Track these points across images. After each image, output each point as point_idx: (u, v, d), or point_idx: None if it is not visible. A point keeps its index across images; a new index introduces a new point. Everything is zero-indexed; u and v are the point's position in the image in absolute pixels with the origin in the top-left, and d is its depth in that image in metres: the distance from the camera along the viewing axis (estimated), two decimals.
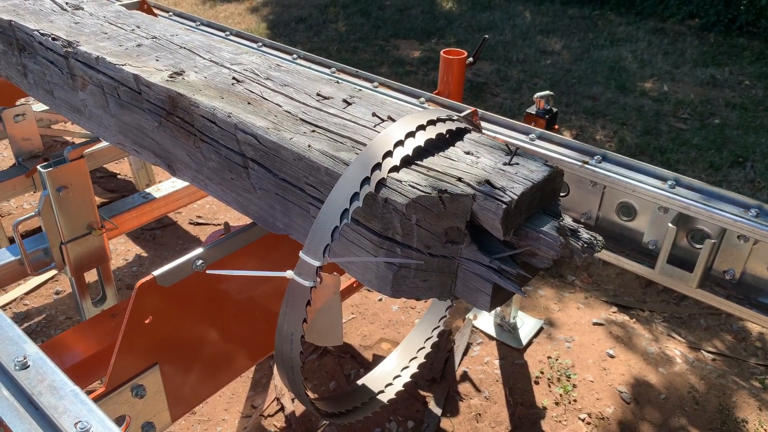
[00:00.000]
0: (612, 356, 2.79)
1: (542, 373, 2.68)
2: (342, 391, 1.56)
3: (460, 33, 6.68)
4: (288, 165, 1.15)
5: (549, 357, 2.76)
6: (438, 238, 1.04)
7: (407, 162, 1.06)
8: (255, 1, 7.71)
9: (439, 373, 2.63)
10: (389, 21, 6.96)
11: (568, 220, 1.06)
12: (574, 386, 2.63)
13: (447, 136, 1.14)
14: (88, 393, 1.10)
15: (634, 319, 3.02)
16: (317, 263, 1.01)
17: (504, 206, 0.96)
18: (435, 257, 1.05)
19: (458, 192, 0.99)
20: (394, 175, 1.03)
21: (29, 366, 1.10)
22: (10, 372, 1.09)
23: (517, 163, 1.08)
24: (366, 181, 1.01)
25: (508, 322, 2.87)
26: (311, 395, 2.49)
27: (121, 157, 2.20)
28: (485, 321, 2.92)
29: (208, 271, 1.09)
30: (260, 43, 2.58)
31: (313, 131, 1.17)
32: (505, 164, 1.08)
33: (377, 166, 1.03)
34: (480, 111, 2.03)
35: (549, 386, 2.63)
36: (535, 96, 2.22)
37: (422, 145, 1.08)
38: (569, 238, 1.03)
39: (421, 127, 1.11)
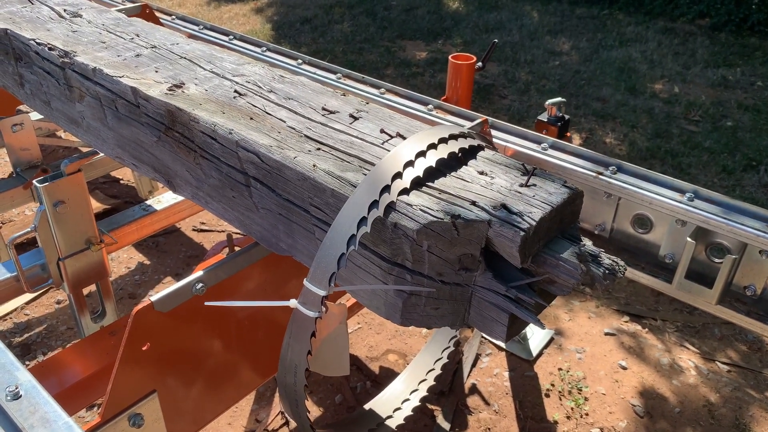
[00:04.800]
0: (624, 368, 2.73)
1: (553, 385, 2.62)
2: (348, 417, 1.50)
3: (467, 33, 6.60)
4: (292, 185, 1.10)
5: (560, 369, 2.70)
6: (451, 265, 0.98)
7: (418, 184, 1.01)
8: (260, 2, 7.66)
9: (447, 385, 2.57)
10: (395, 21, 6.89)
11: (588, 245, 1.00)
12: (586, 399, 2.56)
13: (459, 154, 1.08)
14: (90, 413, 1.04)
15: (646, 329, 2.95)
16: (323, 293, 0.95)
17: (522, 233, 0.90)
18: (447, 285, 1.00)
19: (472, 217, 0.93)
20: (404, 198, 0.97)
21: (21, 396, 1.06)
22: (2, 404, 1.04)
23: (535, 185, 1.02)
24: (374, 204, 0.96)
25: None
26: (316, 408, 2.43)
27: (120, 167, 2.15)
28: None
29: (206, 304, 1.04)
30: (264, 48, 2.52)
31: (318, 149, 1.12)
32: (521, 185, 1.02)
33: (386, 189, 0.97)
34: (490, 119, 1.97)
35: (560, 399, 2.56)
36: (547, 103, 2.16)
37: (433, 165, 1.02)
38: (590, 265, 0.97)
39: (432, 146, 1.05)
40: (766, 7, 6.50)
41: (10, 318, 2.83)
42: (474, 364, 2.70)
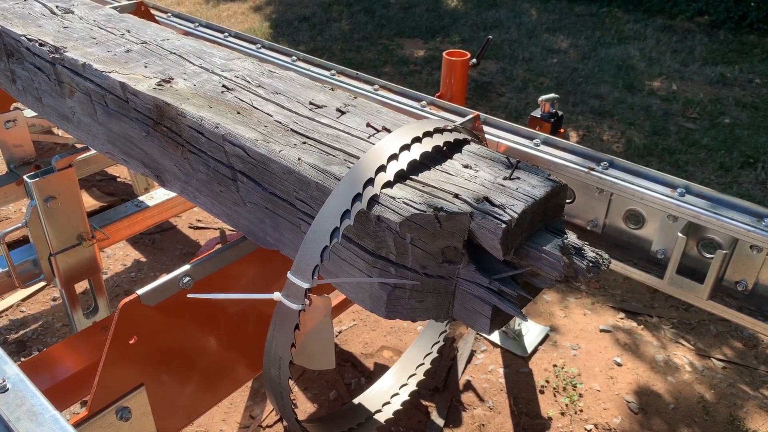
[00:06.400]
0: (619, 364, 2.73)
1: (548, 382, 2.62)
2: (337, 411, 1.50)
3: (465, 31, 6.60)
4: (277, 179, 1.10)
5: (555, 365, 2.70)
6: (434, 258, 0.98)
7: (401, 177, 1.01)
8: (258, 0, 7.66)
9: (441, 382, 2.58)
10: (393, 19, 6.89)
11: (572, 238, 1.00)
12: (581, 396, 2.57)
13: (444, 148, 1.09)
14: (78, 409, 1.05)
15: (641, 326, 2.95)
16: (306, 285, 0.95)
17: (503, 225, 0.90)
18: (431, 277, 1.00)
19: (455, 210, 0.94)
20: (388, 191, 0.98)
21: (8, 389, 1.06)
22: None
23: (518, 178, 1.02)
24: (357, 197, 0.96)
25: (512, 329, 2.81)
26: (311, 404, 2.44)
27: (114, 164, 2.15)
28: None
29: (189, 296, 1.04)
30: (259, 45, 2.52)
31: (304, 143, 1.12)
32: (505, 179, 1.02)
33: (369, 182, 0.97)
34: (483, 115, 1.97)
35: (555, 396, 2.57)
36: (540, 99, 2.15)
37: (417, 158, 1.02)
38: (573, 257, 0.97)
39: (417, 139, 1.05)
40: (764, 4, 6.50)
41: (6, 315, 2.83)
42: (469, 361, 2.71)
